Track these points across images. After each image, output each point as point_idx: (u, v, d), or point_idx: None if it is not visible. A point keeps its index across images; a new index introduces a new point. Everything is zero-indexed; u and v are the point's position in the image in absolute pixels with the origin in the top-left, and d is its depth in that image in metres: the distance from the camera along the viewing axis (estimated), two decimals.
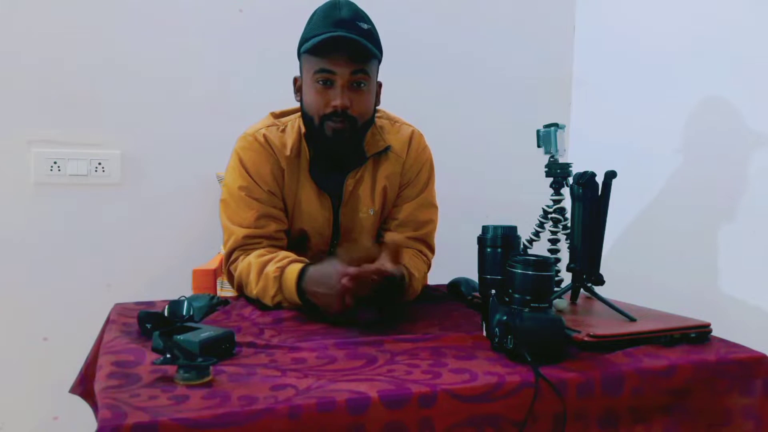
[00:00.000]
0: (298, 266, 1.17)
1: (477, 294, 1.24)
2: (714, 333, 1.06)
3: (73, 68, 1.83)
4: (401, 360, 0.91)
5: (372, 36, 1.27)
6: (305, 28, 1.31)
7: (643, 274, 1.96)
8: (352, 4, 1.30)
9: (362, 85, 1.28)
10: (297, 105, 1.44)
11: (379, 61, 1.33)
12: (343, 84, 1.25)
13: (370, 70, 1.28)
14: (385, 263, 1.12)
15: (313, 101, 1.28)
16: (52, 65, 1.81)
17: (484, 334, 1.03)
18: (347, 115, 1.26)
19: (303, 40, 1.29)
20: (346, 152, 1.35)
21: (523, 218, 1.36)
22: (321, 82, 1.26)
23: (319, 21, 1.27)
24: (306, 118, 1.32)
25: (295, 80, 1.37)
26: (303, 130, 1.35)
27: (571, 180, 1.20)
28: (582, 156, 2.07)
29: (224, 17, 1.96)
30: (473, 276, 1.18)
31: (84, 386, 1.13)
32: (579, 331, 0.98)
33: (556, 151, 1.38)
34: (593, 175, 1.11)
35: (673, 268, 1.89)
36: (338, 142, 1.29)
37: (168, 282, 1.79)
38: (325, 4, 1.30)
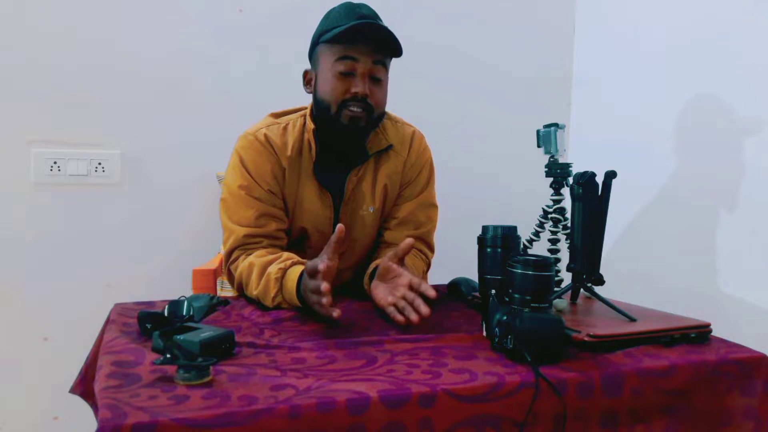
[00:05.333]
0: (299, 268, 1.17)
1: (477, 294, 1.25)
2: (714, 333, 1.06)
3: (73, 68, 1.83)
4: (401, 360, 0.91)
5: (393, 33, 1.29)
6: (322, 23, 1.33)
7: (643, 274, 1.96)
8: (370, 6, 1.33)
9: (380, 78, 1.30)
10: (297, 105, 1.44)
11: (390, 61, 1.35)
12: (363, 73, 1.27)
13: (387, 65, 1.32)
14: (399, 271, 1.16)
15: (332, 88, 1.28)
16: (52, 65, 1.81)
17: (484, 334, 1.03)
18: (366, 102, 1.28)
19: (322, 32, 1.31)
20: (356, 141, 1.35)
21: (523, 218, 1.37)
22: (342, 70, 1.27)
23: (340, 15, 1.29)
24: (320, 107, 1.32)
25: (306, 73, 1.39)
26: (311, 126, 1.35)
27: (571, 180, 1.20)
28: (582, 156, 2.07)
29: (224, 17, 1.96)
30: (473, 276, 1.18)
31: (84, 386, 1.13)
32: (579, 331, 0.98)
33: (556, 151, 1.38)
34: (593, 175, 1.11)
35: (673, 268, 1.89)
36: (354, 130, 1.30)
37: (168, 282, 1.79)
38: (344, 4, 1.33)
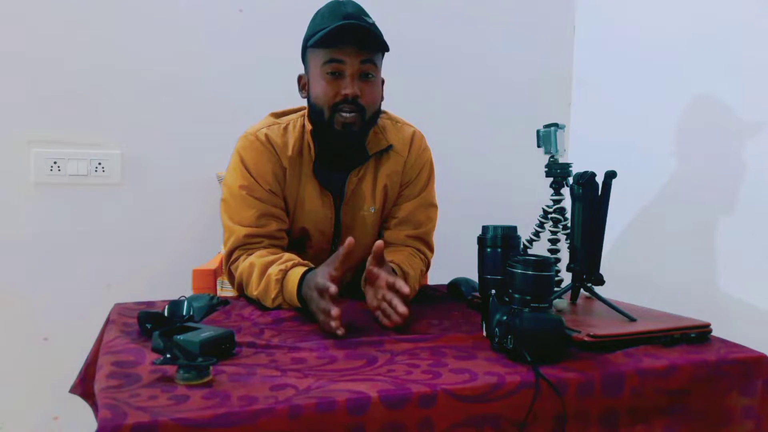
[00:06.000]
0: (301, 270, 1.17)
1: (477, 294, 1.25)
2: (714, 333, 1.06)
3: (73, 68, 1.84)
4: (401, 360, 0.91)
5: (378, 29, 1.28)
6: (309, 26, 1.32)
7: (643, 274, 1.96)
8: (356, 3, 1.32)
9: (370, 76, 1.29)
10: (297, 105, 1.44)
11: (383, 55, 1.34)
12: (352, 73, 1.27)
13: (377, 62, 1.31)
14: (378, 272, 1.16)
15: (323, 92, 1.28)
16: (52, 65, 1.81)
17: (484, 334, 1.03)
18: (358, 104, 1.27)
19: (309, 36, 1.30)
20: (353, 144, 1.35)
21: (523, 218, 1.37)
22: (330, 73, 1.27)
23: (324, 17, 1.29)
24: (314, 112, 1.32)
25: (300, 78, 1.38)
26: (308, 127, 1.35)
27: (571, 180, 1.20)
28: (582, 156, 2.07)
29: (224, 17, 1.96)
30: (473, 276, 1.18)
31: (84, 386, 1.13)
32: (579, 331, 0.98)
33: (556, 151, 1.38)
34: (593, 175, 1.11)
35: (673, 268, 1.89)
36: (347, 134, 1.29)
37: (168, 282, 1.79)
38: (329, 4, 1.32)
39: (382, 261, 1.18)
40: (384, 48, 1.29)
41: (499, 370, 0.87)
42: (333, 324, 1.02)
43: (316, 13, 1.32)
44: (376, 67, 1.31)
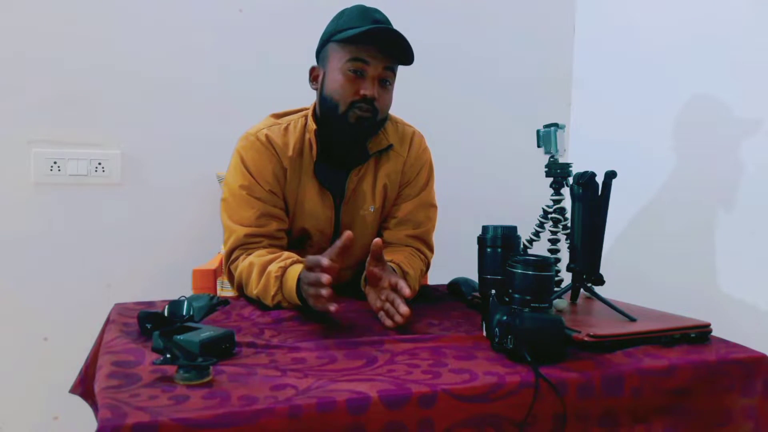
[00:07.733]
0: (299, 267, 1.17)
1: (477, 294, 1.25)
2: (714, 333, 1.06)
3: (73, 68, 1.83)
4: (401, 360, 0.91)
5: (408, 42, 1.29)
6: (334, 23, 1.33)
7: (642, 274, 1.96)
8: (383, 12, 1.34)
9: (388, 83, 1.32)
10: (297, 106, 1.45)
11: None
12: (374, 76, 1.29)
13: (396, 72, 1.33)
14: (378, 271, 1.16)
15: (342, 88, 1.29)
16: (52, 65, 1.81)
17: (484, 334, 1.03)
18: (374, 105, 1.29)
19: (336, 31, 1.31)
20: (360, 141, 1.36)
21: (523, 218, 1.37)
22: (353, 71, 1.28)
23: (353, 17, 1.30)
24: (326, 105, 1.32)
25: (313, 69, 1.39)
26: (312, 126, 1.36)
27: (571, 180, 1.20)
28: (582, 156, 2.07)
29: (224, 17, 1.96)
30: (473, 276, 1.18)
31: (84, 386, 1.13)
32: (579, 331, 0.98)
33: (556, 151, 1.38)
34: (593, 175, 1.11)
35: (673, 268, 1.89)
36: (359, 129, 1.31)
37: (168, 282, 1.79)
38: (357, 6, 1.33)
39: (382, 259, 1.18)
40: (409, 61, 1.31)
41: (499, 370, 0.87)
42: (324, 292, 1.02)
43: (343, 12, 1.33)
44: (395, 76, 1.34)
